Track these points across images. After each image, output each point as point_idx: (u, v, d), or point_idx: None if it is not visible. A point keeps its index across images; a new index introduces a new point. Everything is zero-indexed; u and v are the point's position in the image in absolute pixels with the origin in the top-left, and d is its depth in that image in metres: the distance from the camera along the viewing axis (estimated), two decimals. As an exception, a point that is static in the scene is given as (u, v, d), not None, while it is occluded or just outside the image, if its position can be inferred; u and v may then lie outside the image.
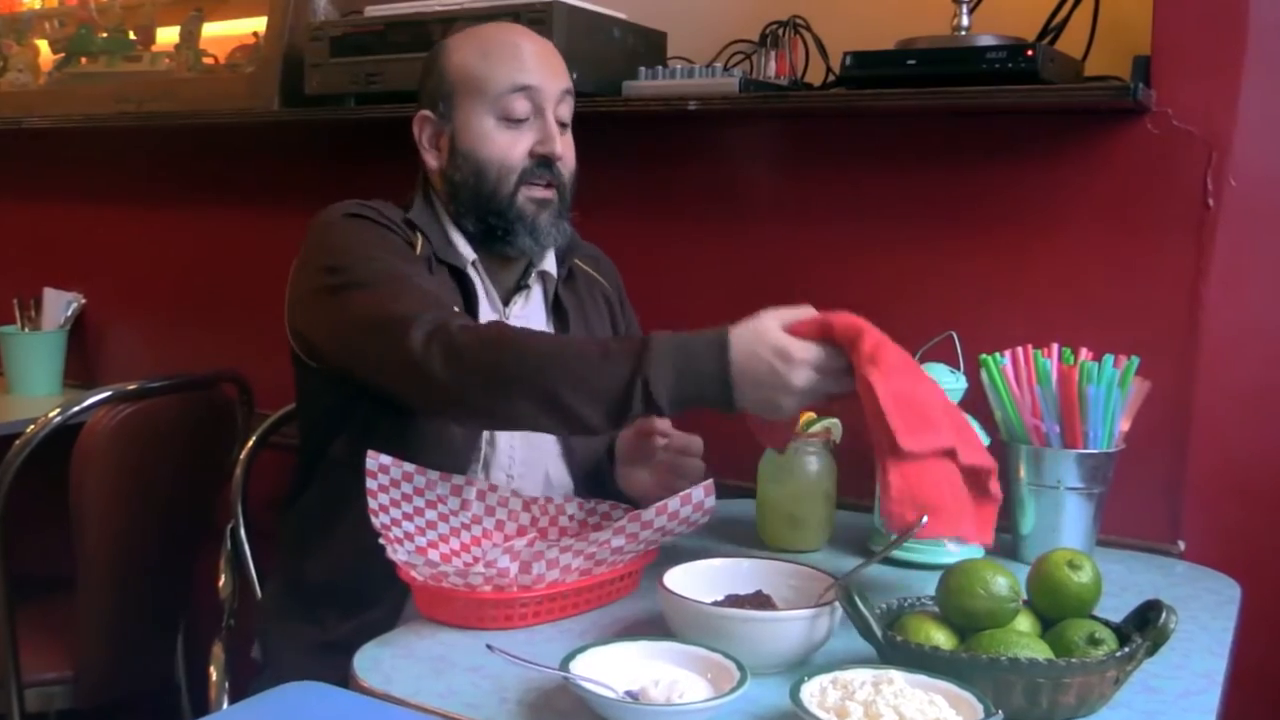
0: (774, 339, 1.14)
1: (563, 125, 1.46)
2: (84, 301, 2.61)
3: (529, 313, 1.52)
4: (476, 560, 1.29)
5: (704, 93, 1.63)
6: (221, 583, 1.79)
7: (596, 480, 1.49)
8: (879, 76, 1.52)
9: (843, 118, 1.73)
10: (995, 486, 1.21)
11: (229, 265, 2.39)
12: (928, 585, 1.11)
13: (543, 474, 1.47)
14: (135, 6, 2.39)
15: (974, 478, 1.18)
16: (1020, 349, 1.44)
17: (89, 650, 1.92)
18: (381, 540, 1.20)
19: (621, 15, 1.78)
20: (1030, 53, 1.41)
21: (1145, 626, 1.02)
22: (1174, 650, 1.08)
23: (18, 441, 1.79)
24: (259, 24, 2.12)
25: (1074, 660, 0.97)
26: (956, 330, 1.49)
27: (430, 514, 1.30)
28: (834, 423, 1.51)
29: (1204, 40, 1.48)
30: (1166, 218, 1.52)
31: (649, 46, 1.82)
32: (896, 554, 1.37)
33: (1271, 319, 1.50)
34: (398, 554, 1.19)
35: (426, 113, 1.47)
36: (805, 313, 1.17)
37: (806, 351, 1.13)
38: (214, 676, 1.74)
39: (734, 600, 1.13)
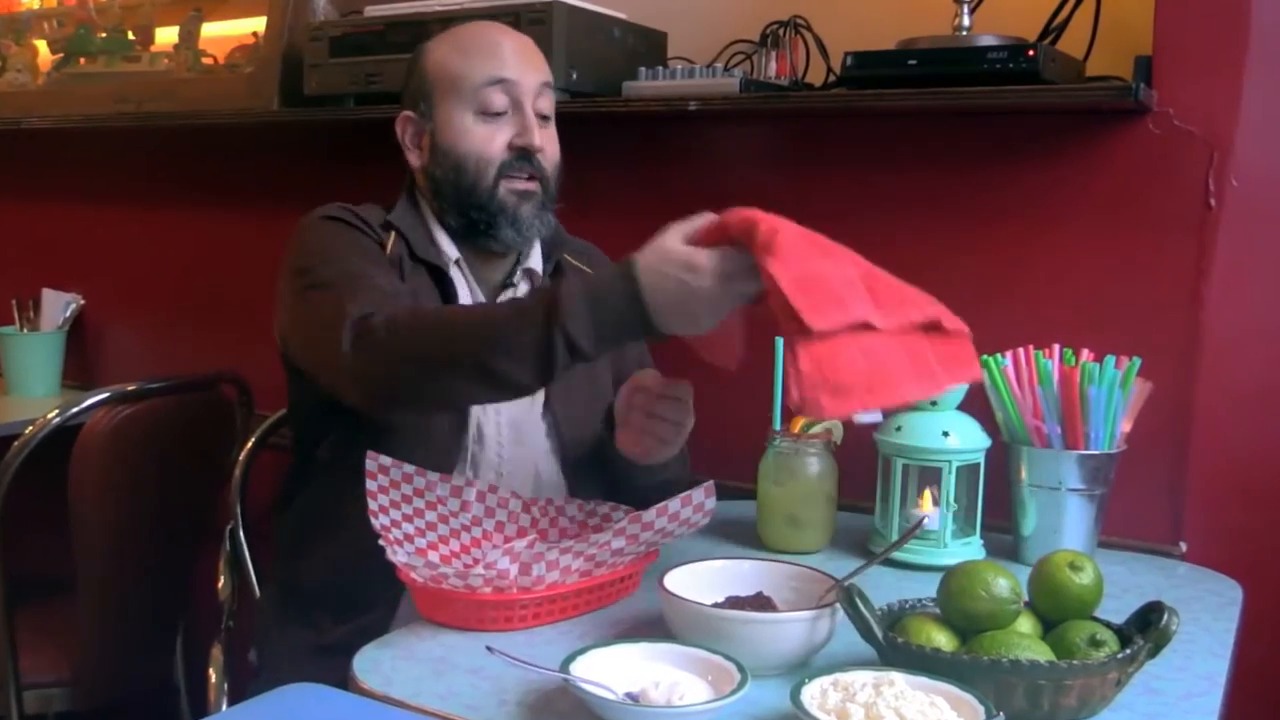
0: (677, 254, 1.11)
1: (544, 118, 1.46)
2: (83, 302, 2.61)
3: None
4: (476, 562, 1.29)
5: (704, 93, 1.63)
6: (221, 584, 1.79)
7: (594, 462, 1.48)
8: (880, 77, 1.52)
9: (843, 118, 1.72)
10: (955, 323, 1.15)
11: (228, 266, 2.39)
12: (929, 587, 1.11)
13: (532, 470, 1.46)
14: (134, 6, 2.38)
15: (929, 329, 1.13)
16: (1021, 350, 1.44)
17: (87, 652, 1.91)
18: (381, 541, 1.20)
19: (622, 15, 1.78)
20: (1031, 53, 1.41)
21: (1147, 628, 1.01)
22: (1176, 652, 1.08)
23: (16, 443, 1.79)
24: (258, 24, 2.12)
25: (1075, 662, 0.96)
26: (957, 331, 1.49)
27: (430, 515, 1.30)
28: (835, 424, 1.51)
29: (1206, 40, 1.47)
30: (1168, 218, 1.52)
31: (649, 46, 1.82)
32: (898, 556, 1.37)
33: (1273, 319, 1.50)
34: (398, 555, 1.19)
35: (408, 113, 1.49)
36: (705, 220, 1.14)
37: (710, 258, 1.10)
38: (213, 678, 1.74)
39: (734, 602, 1.13)
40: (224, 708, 1.74)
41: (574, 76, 1.69)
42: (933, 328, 1.13)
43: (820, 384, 1.03)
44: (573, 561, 1.18)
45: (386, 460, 1.27)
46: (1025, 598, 1.05)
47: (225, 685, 1.74)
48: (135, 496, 1.89)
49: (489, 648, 1.05)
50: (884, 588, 1.30)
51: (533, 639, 1.15)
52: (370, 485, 1.25)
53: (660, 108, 1.68)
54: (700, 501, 1.19)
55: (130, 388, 1.88)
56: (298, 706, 0.95)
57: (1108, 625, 1.03)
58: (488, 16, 1.64)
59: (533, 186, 1.44)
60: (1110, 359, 1.40)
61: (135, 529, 1.91)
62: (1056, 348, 1.44)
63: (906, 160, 1.69)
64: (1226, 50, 1.47)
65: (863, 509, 1.54)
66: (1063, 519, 1.40)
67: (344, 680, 1.06)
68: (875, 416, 1.15)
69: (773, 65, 1.76)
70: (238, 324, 2.33)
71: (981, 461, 1.43)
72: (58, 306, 2.57)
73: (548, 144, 1.46)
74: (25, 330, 2.55)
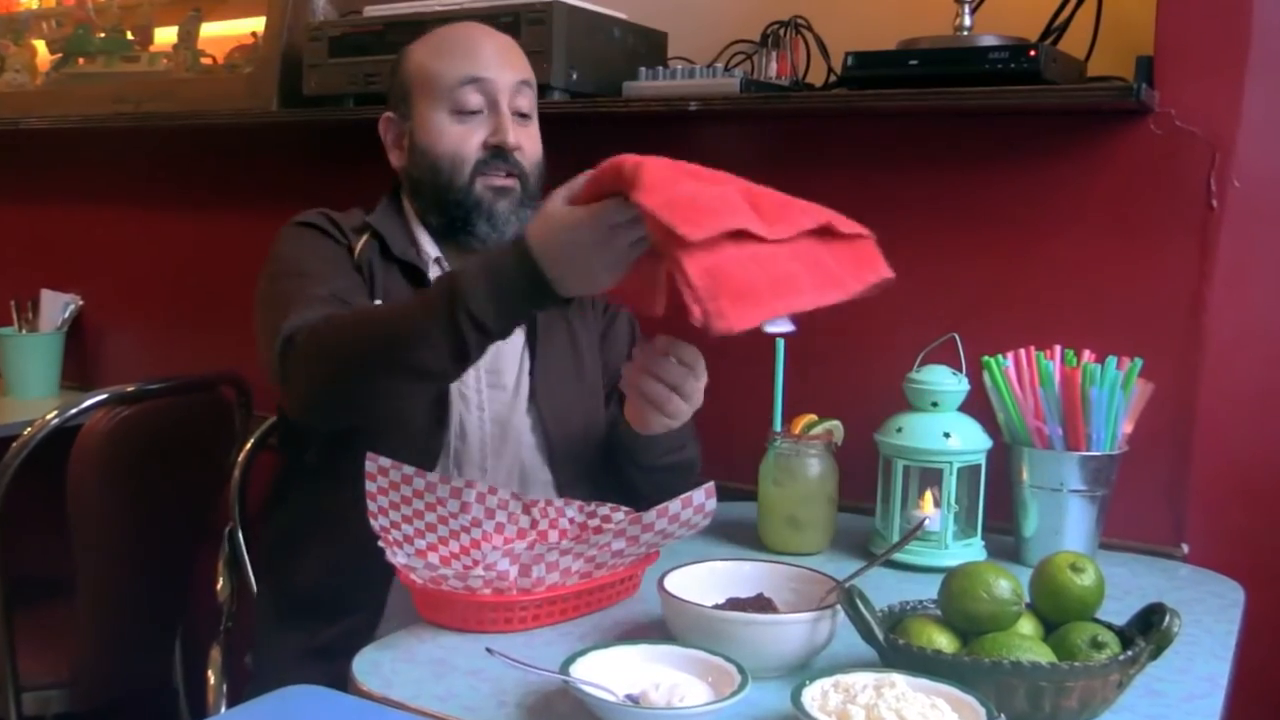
0: (561, 216, 1.12)
1: (522, 116, 1.46)
2: (81, 303, 2.61)
3: None
4: (476, 563, 1.28)
5: (705, 93, 1.63)
6: (219, 585, 1.79)
7: (582, 456, 1.48)
8: (881, 77, 1.52)
9: (844, 118, 1.72)
10: (851, 226, 1.13)
11: (227, 266, 2.38)
12: (930, 588, 1.10)
13: (517, 465, 1.46)
14: (133, 6, 2.38)
15: (823, 236, 1.11)
16: (1023, 351, 1.44)
17: (86, 653, 1.91)
18: (381, 543, 1.20)
19: (622, 15, 1.78)
20: (1033, 53, 1.41)
21: (1148, 630, 1.01)
22: (1177, 654, 1.08)
23: (15, 444, 1.78)
24: (257, 24, 2.12)
25: (1077, 664, 0.96)
26: (959, 332, 1.49)
27: (430, 516, 1.29)
28: (835, 424, 1.51)
29: (1207, 40, 1.47)
30: (1169, 219, 1.52)
31: (649, 46, 1.82)
32: (898, 557, 1.37)
33: (1275, 320, 1.50)
34: (397, 557, 1.19)
35: (390, 114, 1.50)
36: (583, 177, 1.14)
37: (590, 211, 1.10)
38: (212, 680, 1.74)
39: (735, 603, 1.13)
40: (222, 709, 1.74)
41: (574, 76, 1.68)
42: (826, 232, 1.11)
43: (718, 291, 1.00)
44: (573, 563, 1.18)
45: (386, 461, 1.27)
46: (1026, 599, 1.05)
47: (224, 686, 1.74)
48: (134, 498, 1.89)
49: (489, 649, 1.04)
50: (885, 589, 1.29)
51: (532, 640, 1.15)
52: (370, 486, 1.24)
53: (660, 108, 1.67)
54: (700, 503, 1.18)
55: (129, 389, 1.88)
56: (297, 708, 0.95)
57: (1109, 627, 1.03)
58: (488, 16, 1.64)
59: (510, 183, 1.44)
60: (1112, 360, 1.39)
61: (134, 530, 1.91)
62: (1058, 348, 1.44)
63: (907, 161, 1.69)
64: (1228, 51, 1.46)
65: (863, 510, 1.54)
66: (1064, 520, 1.40)
67: (334, 682, 1.05)
68: (786, 326, 1.09)
69: (773, 65, 1.76)
70: (237, 325, 2.31)
71: (983, 463, 1.43)
72: (56, 307, 2.57)
73: (526, 142, 1.46)
74: (24, 331, 2.55)
